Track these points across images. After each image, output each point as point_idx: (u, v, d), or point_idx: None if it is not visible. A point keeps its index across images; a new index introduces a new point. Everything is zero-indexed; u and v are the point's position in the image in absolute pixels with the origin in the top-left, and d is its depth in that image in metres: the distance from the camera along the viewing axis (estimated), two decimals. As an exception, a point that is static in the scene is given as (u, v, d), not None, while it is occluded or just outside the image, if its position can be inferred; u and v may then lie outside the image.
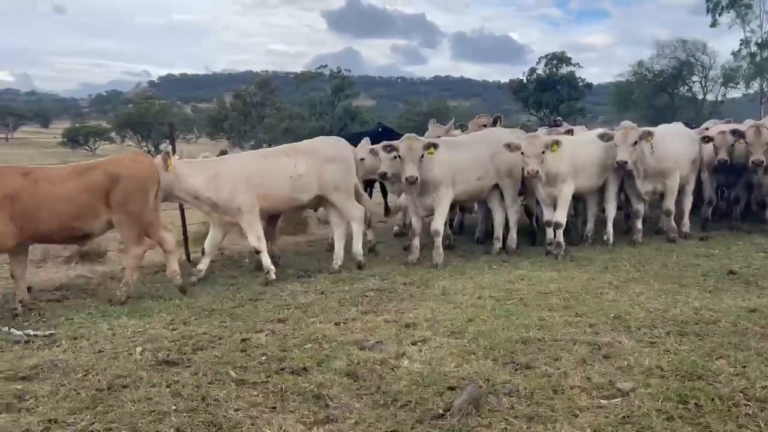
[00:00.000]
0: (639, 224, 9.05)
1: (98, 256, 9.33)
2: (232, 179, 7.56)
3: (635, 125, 8.87)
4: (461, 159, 8.41)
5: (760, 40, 46.45)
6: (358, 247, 8.12)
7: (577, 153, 8.57)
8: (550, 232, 8.59)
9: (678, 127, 10.43)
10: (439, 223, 8.20)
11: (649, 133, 8.47)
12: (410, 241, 8.52)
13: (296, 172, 7.80)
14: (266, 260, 7.62)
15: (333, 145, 8.26)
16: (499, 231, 8.91)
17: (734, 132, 9.23)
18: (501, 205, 8.89)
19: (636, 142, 8.32)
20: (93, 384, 4.35)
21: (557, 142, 8.11)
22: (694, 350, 4.57)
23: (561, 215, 8.40)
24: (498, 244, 8.85)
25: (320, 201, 8.26)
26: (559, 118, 13.48)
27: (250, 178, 7.64)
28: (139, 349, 5.07)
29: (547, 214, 8.66)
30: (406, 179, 7.78)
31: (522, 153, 8.03)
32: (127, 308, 6.41)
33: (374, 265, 8.23)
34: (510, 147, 8.20)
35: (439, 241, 8.15)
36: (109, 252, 9.52)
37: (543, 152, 8.00)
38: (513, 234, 8.79)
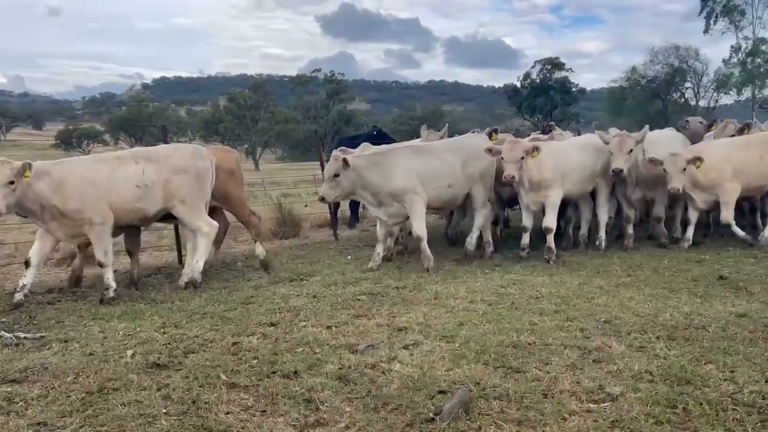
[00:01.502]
0: (630, 229, 9.09)
1: (90, 258, 9.29)
2: (79, 186, 6.90)
3: (625, 131, 8.94)
4: (429, 166, 8.30)
5: (751, 47, 46.82)
6: (195, 262, 7.53)
7: (563, 159, 8.61)
8: (525, 237, 8.69)
9: (670, 132, 10.46)
10: (419, 228, 8.09)
11: (642, 139, 8.52)
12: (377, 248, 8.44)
13: (143, 180, 7.25)
14: (108, 276, 7.03)
15: (190, 154, 7.73)
16: (487, 235, 8.96)
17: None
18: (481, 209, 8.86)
19: (632, 150, 8.36)
20: (83, 387, 4.34)
21: (537, 149, 8.12)
22: (684, 355, 4.59)
23: (550, 220, 8.43)
24: (489, 248, 8.90)
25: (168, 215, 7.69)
26: (552, 123, 13.49)
27: (98, 184, 7.01)
28: (129, 351, 5.06)
29: (525, 220, 8.76)
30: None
31: (502, 158, 8.09)
32: (119, 311, 6.40)
33: (367, 269, 8.24)
34: (491, 152, 8.27)
35: (423, 245, 8.07)
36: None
37: (522, 158, 8.04)
38: (473, 238, 8.73)
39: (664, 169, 8.35)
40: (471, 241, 8.72)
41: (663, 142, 9.20)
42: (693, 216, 9.01)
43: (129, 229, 7.85)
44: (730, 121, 10.74)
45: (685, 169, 8.31)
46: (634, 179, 8.84)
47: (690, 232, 8.97)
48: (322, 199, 8.18)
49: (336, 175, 7.90)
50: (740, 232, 8.74)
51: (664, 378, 4.18)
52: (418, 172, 8.15)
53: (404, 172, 8.06)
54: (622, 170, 8.31)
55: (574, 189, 8.78)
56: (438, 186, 8.34)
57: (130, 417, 3.85)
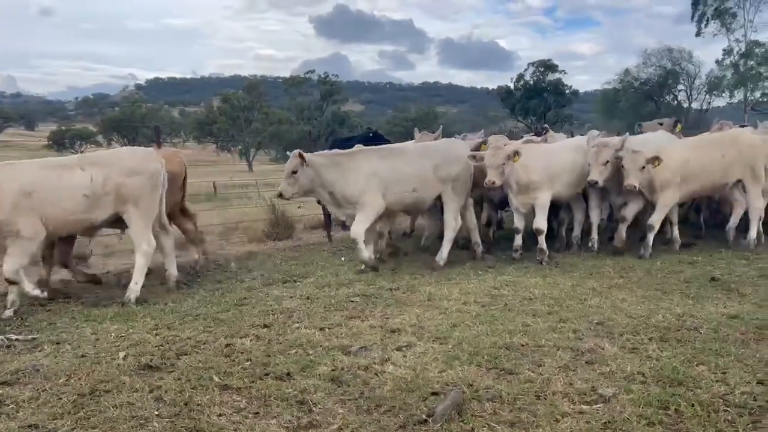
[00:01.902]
0: (623, 232, 9.08)
1: (82, 259, 9.27)
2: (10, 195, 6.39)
3: (604, 135, 8.93)
4: (393, 169, 8.18)
5: (743, 50, 47.06)
6: (134, 283, 7.01)
7: (552, 161, 8.60)
8: (517, 238, 8.72)
9: (663, 135, 10.37)
10: (356, 229, 7.93)
11: (621, 146, 8.35)
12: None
13: (92, 189, 6.77)
14: (13, 296, 6.58)
15: (143, 156, 7.34)
16: (476, 236, 8.99)
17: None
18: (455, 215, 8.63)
19: (608, 161, 8.29)
20: (75, 389, 4.32)
21: (518, 153, 8.14)
22: (676, 356, 4.61)
23: (540, 222, 8.43)
24: (479, 249, 8.92)
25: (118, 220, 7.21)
26: (546, 125, 13.50)
27: (35, 195, 6.49)
28: (122, 353, 5.04)
29: (517, 222, 8.77)
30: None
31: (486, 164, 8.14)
32: (111, 312, 6.37)
33: (361, 270, 8.23)
34: (475, 159, 8.31)
35: (360, 245, 7.95)
36: (93, 256, 9.46)
37: (503, 164, 8.06)
38: (444, 251, 8.47)
39: (622, 166, 8.28)
40: (442, 256, 8.43)
41: (653, 144, 9.17)
42: (673, 216, 9.02)
43: (64, 239, 7.45)
44: (726, 123, 10.78)
45: (644, 168, 8.20)
46: (615, 186, 8.69)
47: (676, 232, 9.04)
48: (280, 195, 8.18)
49: (294, 172, 7.89)
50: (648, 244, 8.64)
51: (657, 379, 4.20)
52: (379, 177, 8.05)
53: (363, 176, 7.97)
54: (596, 182, 8.27)
55: (564, 191, 8.77)
56: (402, 190, 8.22)
57: (122, 419, 3.84)
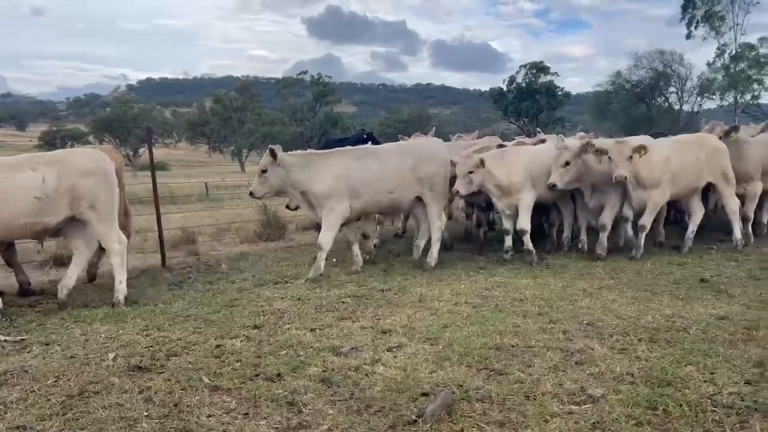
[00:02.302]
0: (605, 240, 8.85)
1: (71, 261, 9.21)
2: None
3: (563, 138, 8.82)
4: (367, 170, 8.08)
5: (733, 53, 47.37)
6: (119, 283, 6.87)
7: (534, 163, 8.49)
8: (507, 240, 8.75)
9: (642, 139, 10.20)
10: (324, 237, 7.87)
11: (584, 149, 8.21)
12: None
13: (44, 190, 6.44)
14: None
15: (96, 155, 7.07)
16: (420, 242, 8.80)
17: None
18: (426, 219, 8.63)
19: (568, 162, 8.19)
20: (63, 390, 4.31)
21: (482, 161, 8.11)
22: (665, 357, 4.63)
23: (524, 222, 8.41)
24: (431, 260, 8.44)
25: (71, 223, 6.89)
26: (539, 129, 13.48)
27: None
28: (111, 354, 5.03)
29: (505, 223, 8.80)
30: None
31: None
32: (101, 313, 6.34)
33: (352, 271, 8.24)
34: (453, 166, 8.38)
35: (321, 255, 7.87)
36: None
37: (470, 172, 8.08)
38: (434, 251, 8.43)
39: (609, 158, 8.11)
40: (432, 256, 8.39)
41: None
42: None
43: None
44: (717, 123, 10.79)
45: (631, 158, 8.04)
46: (590, 188, 8.63)
47: (642, 239, 8.64)
48: (251, 194, 8.13)
49: (264, 171, 7.86)
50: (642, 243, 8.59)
51: (645, 380, 4.22)
52: (352, 178, 7.96)
53: (333, 177, 7.87)
54: (555, 185, 8.19)
55: (548, 192, 8.68)
56: (378, 191, 8.14)
57: (111, 420, 3.83)
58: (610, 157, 8.11)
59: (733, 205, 9.04)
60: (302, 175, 7.88)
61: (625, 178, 8.00)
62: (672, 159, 8.55)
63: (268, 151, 7.88)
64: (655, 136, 10.70)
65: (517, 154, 8.68)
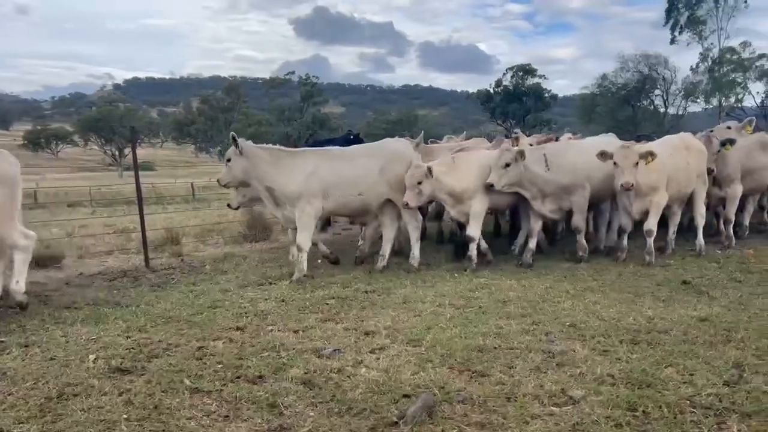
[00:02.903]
0: (583, 240, 8.81)
1: (55, 261, 9.16)
2: None
3: (506, 140, 8.79)
4: (338, 172, 8.04)
5: (716, 57, 47.87)
6: (16, 283, 6.46)
7: (487, 168, 8.21)
8: (471, 247, 8.34)
9: (607, 139, 9.89)
10: (301, 238, 7.83)
11: (521, 153, 8.06)
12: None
13: None
14: None
15: None
16: (386, 248, 8.51)
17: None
18: (393, 222, 8.55)
19: (509, 164, 8.03)
20: (42, 392, 4.27)
21: (430, 170, 7.94)
22: (645, 358, 4.66)
23: (473, 230, 8.24)
24: (381, 262, 8.38)
25: None
26: (517, 130, 13.41)
27: None
28: (92, 356, 4.99)
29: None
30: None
31: None
32: (82, 315, 6.29)
33: (337, 273, 8.23)
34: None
35: (303, 256, 7.84)
36: (65, 259, 9.35)
37: (420, 183, 7.93)
38: (415, 251, 8.38)
39: (614, 163, 7.90)
40: (414, 257, 8.37)
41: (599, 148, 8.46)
42: (628, 224, 8.57)
43: None
44: (713, 137, 10.78)
45: (637, 164, 7.80)
46: (536, 192, 8.39)
47: (625, 241, 8.63)
48: (218, 181, 8.26)
49: (229, 160, 7.87)
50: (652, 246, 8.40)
51: (626, 381, 4.24)
52: (322, 179, 7.92)
53: (304, 177, 7.83)
54: (492, 185, 8.01)
55: (501, 199, 8.64)
56: (347, 193, 8.09)
57: (89, 423, 3.80)
58: (615, 163, 7.92)
59: (703, 209, 9.11)
60: (270, 169, 7.84)
61: (632, 186, 7.76)
62: (667, 163, 8.35)
63: (231, 139, 7.89)
64: (638, 138, 10.78)
65: (468, 160, 8.38)
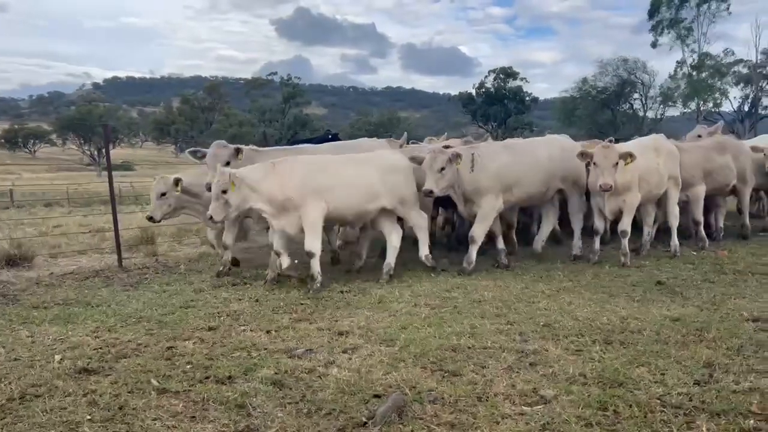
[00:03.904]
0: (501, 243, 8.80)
1: (25, 261, 8.99)
2: None
3: (439, 142, 8.72)
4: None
5: (695, 62, 48.48)
6: None
7: (318, 174, 7.53)
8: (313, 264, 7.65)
9: (546, 139, 9.74)
10: (310, 244, 7.31)
11: (458, 156, 7.75)
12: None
13: None
14: None
15: None
16: (391, 256, 8.01)
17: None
18: (396, 228, 8.15)
19: (443, 168, 7.68)
20: (4, 394, 4.17)
21: (239, 178, 7.29)
22: (618, 358, 4.66)
23: (310, 244, 7.40)
24: (387, 270, 7.88)
25: None
26: (486, 132, 13.41)
27: None
28: (58, 356, 4.89)
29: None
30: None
31: None
32: (50, 314, 6.17)
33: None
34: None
35: (314, 262, 7.31)
36: (36, 258, 9.18)
37: (225, 191, 7.18)
38: (391, 261, 7.93)
39: (594, 163, 7.90)
40: (390, 264, 7.94)
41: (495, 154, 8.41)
42: (601, 225, 8.64)
43: None
44: (702, 127, 11.04)
45: (616, 165, 7.80)
46: (460, 194, 8.13)
47: (597, 243, 8.64)
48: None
49: (227, 163, 7.73)
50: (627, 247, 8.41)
51: (597, 381, 4.23)
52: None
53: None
54: (431, 191, 7.66)
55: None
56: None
57: (51, 424, 3.71)
58: (594, 163, 7.91)
59: (676, 210, 9.16)
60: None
61: (610, 187, 7.74)
62: (639, 164, 8.25)
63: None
64: (616, 141, 10.83)
65: (292, 165, 7.44)
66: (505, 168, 8.21)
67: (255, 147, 9.03)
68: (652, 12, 49.36)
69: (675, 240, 9.01)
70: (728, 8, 47.06)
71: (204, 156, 8.02)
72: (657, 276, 7.52)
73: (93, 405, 3.99)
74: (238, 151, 7.89)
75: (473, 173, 7.99)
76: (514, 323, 5.62)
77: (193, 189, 8.36)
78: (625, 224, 8.39)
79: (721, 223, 10.38)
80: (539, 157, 8.57)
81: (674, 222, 9.11)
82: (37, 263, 9.19)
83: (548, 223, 9.29)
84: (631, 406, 3.80)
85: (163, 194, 8.24)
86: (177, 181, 8.25)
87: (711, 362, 4.51)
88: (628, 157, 7.91)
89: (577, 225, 8.96)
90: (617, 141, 10.66)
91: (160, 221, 8.45)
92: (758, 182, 10.69)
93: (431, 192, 7.70)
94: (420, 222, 8.06)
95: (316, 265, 7.27)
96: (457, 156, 7.76)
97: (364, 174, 7.71)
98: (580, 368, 4.46)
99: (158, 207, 8.23)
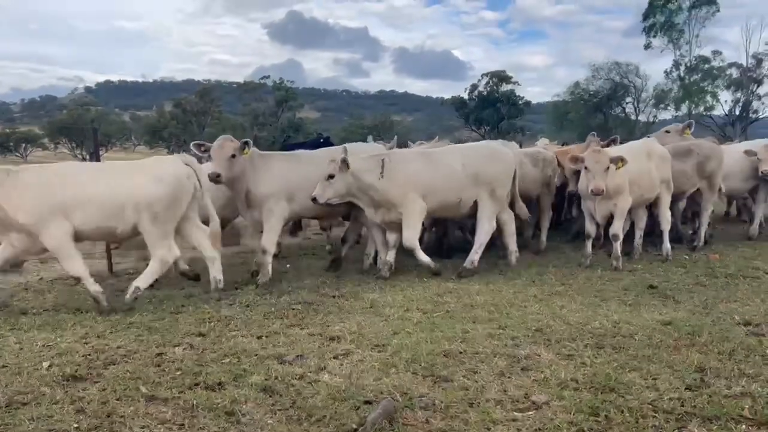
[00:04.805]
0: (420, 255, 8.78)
1: (15, 266, 8.90)
2: None
3: (429, 145, 8.60)
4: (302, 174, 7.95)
5: (689, 64, 48.74)
6: None
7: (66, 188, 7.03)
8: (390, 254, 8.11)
9: (463, 147, 9.46)
10: (266, 240, 7.81)
11: (345, 162, 7.58)
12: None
13: None
14: None
15: None
16: (391, 254, 8.14)
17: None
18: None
19: (332, 176, 7.59)
20: (-10, 401, 4.10)
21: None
22: (609, 363, 4.65)
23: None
24: (386, 268, 8.08)
25: None
26: (420, 140, 13.09)
27: None
28: (46, 363, 4.83)
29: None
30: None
31: None
32: (39, 320, 6.11)
33: (305, 277, 8.13)
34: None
35: (266, 258, 7.79)
36: (26, 263, 9.10)
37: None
38: (390, 257, 8.07)
39: (585, 168, 7.95)
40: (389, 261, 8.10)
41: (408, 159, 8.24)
42: (592, 229, 8.63)
43: None
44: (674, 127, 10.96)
45: (608, 169, 7.83)
46: (368, 202, 7.90)
47: (589, 247, 8.64)
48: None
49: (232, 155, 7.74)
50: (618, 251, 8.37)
51: (589, 386, 4.22)
52: (287, 179, 7.91)
53: (272, 178, 7.83)
54: (314, 199, 7.61)
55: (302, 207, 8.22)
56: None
57: (37, 432, 3.66)
58: (586, 167, 7.95)
59: (668, 214, 9.12)
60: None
61: (602, 191, 7.79)
62: (630, 167, 8.28)
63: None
64: (607, 145, 10.83)
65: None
66: (415, 175, 7.93)
67: (257, 150, 9.04)
68: (647, 14, 49.61)
69: (667, 244, 9.01)
70: (717, 11, 47.39)
71: (208, 150, 7.98)
72: (649, 280, 7.53)
73: (80, 412, 3.94)
74: (245, 144, 7.85)
75: (382, 180, 7.78)
76: (506, 328, 5.61)
77: None
78: (616, 228, 8.39)
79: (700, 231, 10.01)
80: (453, 165, 8.19)
81: (666, 226, 9.10)
82: (26, 268, 9.11)
83: (481, 236, 8.40)
84: (623, 411, 3.79)
85: None
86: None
87: (703, 367, 4.51)
88: (619, 161, 7.91)
89: (480, 238, 8.30)
90: (612, 142, 10.74)
91: None
92: (746, 187, 10.74)
93: (314, 199, 7.61)
94: None
95: (422, 256, 7.95)
96: (345, 163, 7.56)
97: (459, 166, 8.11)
98: (571, 373, 4.45)
99: None
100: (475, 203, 8.29)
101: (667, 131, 10.82)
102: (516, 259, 8.63)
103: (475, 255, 8.19)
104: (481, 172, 8.22)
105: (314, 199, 7.62)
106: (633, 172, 8.37)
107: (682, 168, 9.46)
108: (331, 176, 7.62)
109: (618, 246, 8.37)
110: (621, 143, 10.99)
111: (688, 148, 9.80)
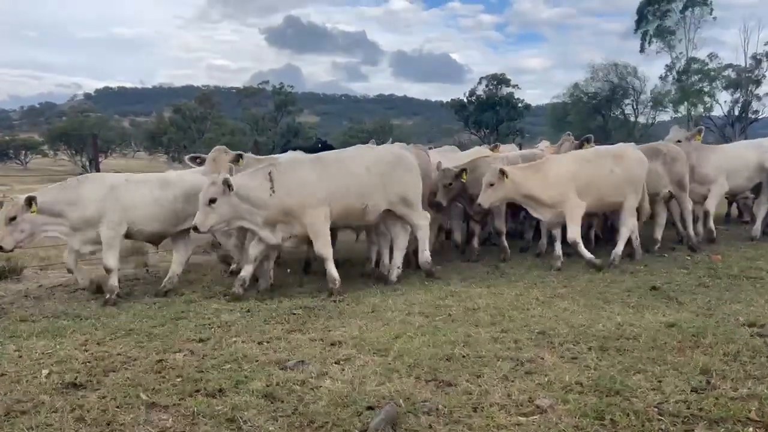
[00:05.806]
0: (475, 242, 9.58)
1: (14, 273, 8.88)
2: None
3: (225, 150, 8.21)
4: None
5: (681, 68, 48.74)
6: None
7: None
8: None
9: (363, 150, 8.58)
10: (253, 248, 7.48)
11: (228, 184, 6.94)
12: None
13: None
14: None
15: None
16: (398, 258, 8.12)
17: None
18: (404, 230, 8.13)
19: (213, 199, 6.93)
20: (-11, 410, 4.06)
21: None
22: (614, 365, 4.61)
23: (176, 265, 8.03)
24: (395, 272, 8.03)
25: None
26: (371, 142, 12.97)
27: None
28: (45, 371, 4.79)
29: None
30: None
31: None
32: (38, 328, 6.07)
33: (305, 282, 8.09)
34: None
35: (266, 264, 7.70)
36: (26, 269, 9.07)
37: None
38: (398, 262, 8.09)
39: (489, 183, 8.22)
40: (397, 263, 8.11)
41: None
42: (557, 233, 8.75)
43: None
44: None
45: (492, 185, 8.14)
46: (262, 222, 7.27)
47: (558, 248, 8.67)
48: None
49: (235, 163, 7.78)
50: (586, 254, 8.41)
51: (594, 389, 4.17)
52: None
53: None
54: (196, 228, 7.04)
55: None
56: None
57: (37, 442, 3.61)
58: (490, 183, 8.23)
59: (630, 221, 8.84)
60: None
61: (482, 208, 8.30)
62: (579, 173, 8.42)
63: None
64: (581, 145, 10.86)
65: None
66: (310, 185, 7.34)
67: (254, 155, 9.06)
68: (639, 21, 49.64)
69: (618, 250, 8.70)
70: (711, 12, 47.38)
71: (203, 162, 7.93)
72: (651, 281, 7.48)
73: (80, 421, 3.90)
74: (239, 157, 7.81)
75: (273, 195, 7.18)
76: (508, 331, 5.56)
77: (55, 208, 7.27)
78: (572, 232, 8.37)
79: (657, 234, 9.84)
80: (354, 170, 7.67)
81: (624, 232, 8.82)
82: (26, 275, 9.08)
83: (399, 249, 8.17)
84: (628, 414, 3.75)
85: (13, 219, 7.02)
86: (30, 201, 7.07)
87: (708, 369, 4.46)
88: (462, 173, 8.82)
89: (398, 254, 8.13)
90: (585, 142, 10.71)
91: (12, 250, 7.26)
92: (749, 185, 10.70)
93: (195, 228, 7.02)
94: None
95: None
96: (228, 185, 6.91)
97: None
98: (576, 376, 4.40)
99: (9, 234, 7.01)
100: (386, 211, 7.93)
101: (678, 141, 10.68)
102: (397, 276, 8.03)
103: (397, 271, 8.02)
104: (389, 178, 7.79)
105: (195, 228, 7.01)
106: (584, 176, 8.45)
107: (653, 167, 9.35)
108: (212, 200, 6.93)
109: (581, 249, 8.38)
110: (588, 141, 10.95)
111: (657, 148, 9.78)
